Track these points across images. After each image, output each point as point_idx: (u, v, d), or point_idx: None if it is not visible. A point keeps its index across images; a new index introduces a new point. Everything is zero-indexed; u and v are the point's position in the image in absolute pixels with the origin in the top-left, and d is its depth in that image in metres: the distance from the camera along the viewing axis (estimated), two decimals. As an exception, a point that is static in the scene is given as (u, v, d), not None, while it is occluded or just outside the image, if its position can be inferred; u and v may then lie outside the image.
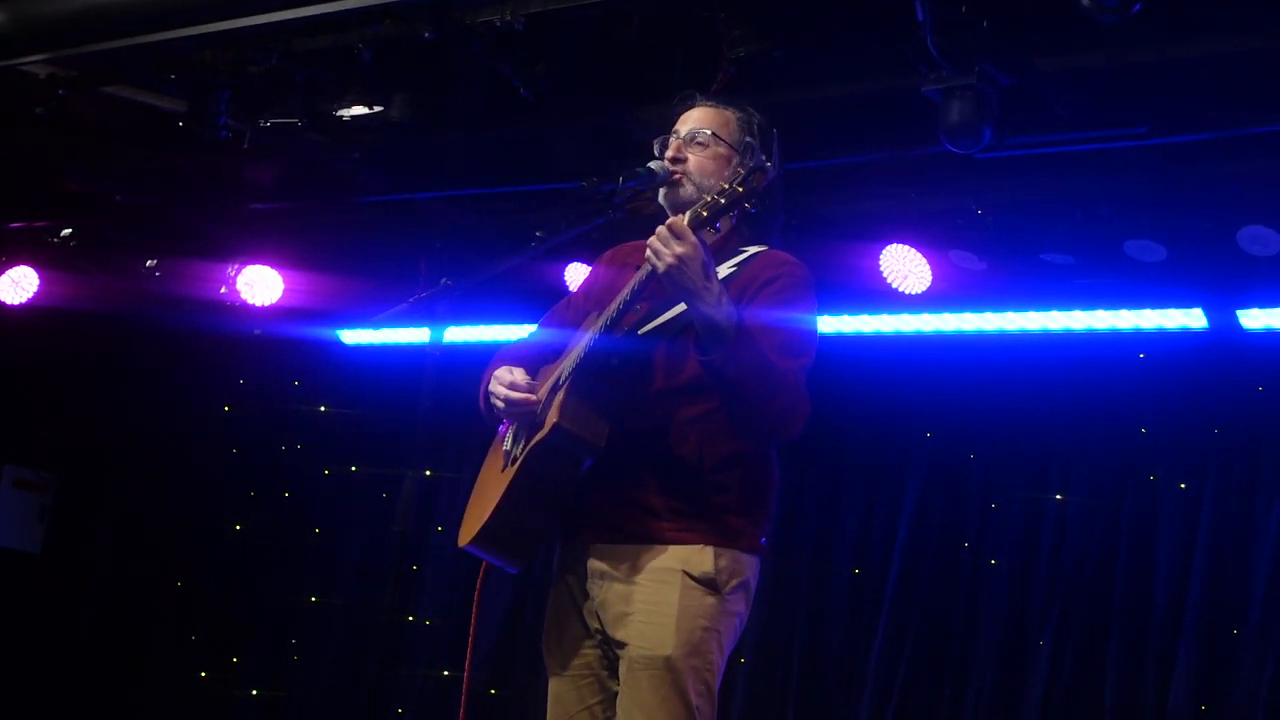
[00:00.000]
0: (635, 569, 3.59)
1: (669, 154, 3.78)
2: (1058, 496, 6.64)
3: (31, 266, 7.70)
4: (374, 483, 8.37)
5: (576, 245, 6.44)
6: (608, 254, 4.02)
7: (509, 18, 5.05)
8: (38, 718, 8.70)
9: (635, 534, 3.61)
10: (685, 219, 3.40)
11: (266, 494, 8.77)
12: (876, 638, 6.78)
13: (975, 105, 4.73)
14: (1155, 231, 5.67)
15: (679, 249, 3.39)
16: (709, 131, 3.79)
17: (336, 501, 8.56)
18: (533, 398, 3.68)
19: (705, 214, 3.39)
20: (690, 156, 3.77)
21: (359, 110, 5.69)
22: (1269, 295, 5.94)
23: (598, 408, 3.57)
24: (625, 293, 3.57)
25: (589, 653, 3.75)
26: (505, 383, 3.75)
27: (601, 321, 3.58)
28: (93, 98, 6.35)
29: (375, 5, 5.15)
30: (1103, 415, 6.56)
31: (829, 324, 6.57)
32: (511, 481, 3.65)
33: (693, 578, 3.56)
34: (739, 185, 3.37)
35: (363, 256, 7.52)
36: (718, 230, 3.54)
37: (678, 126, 3.84)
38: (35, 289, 7.69)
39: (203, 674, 8.61)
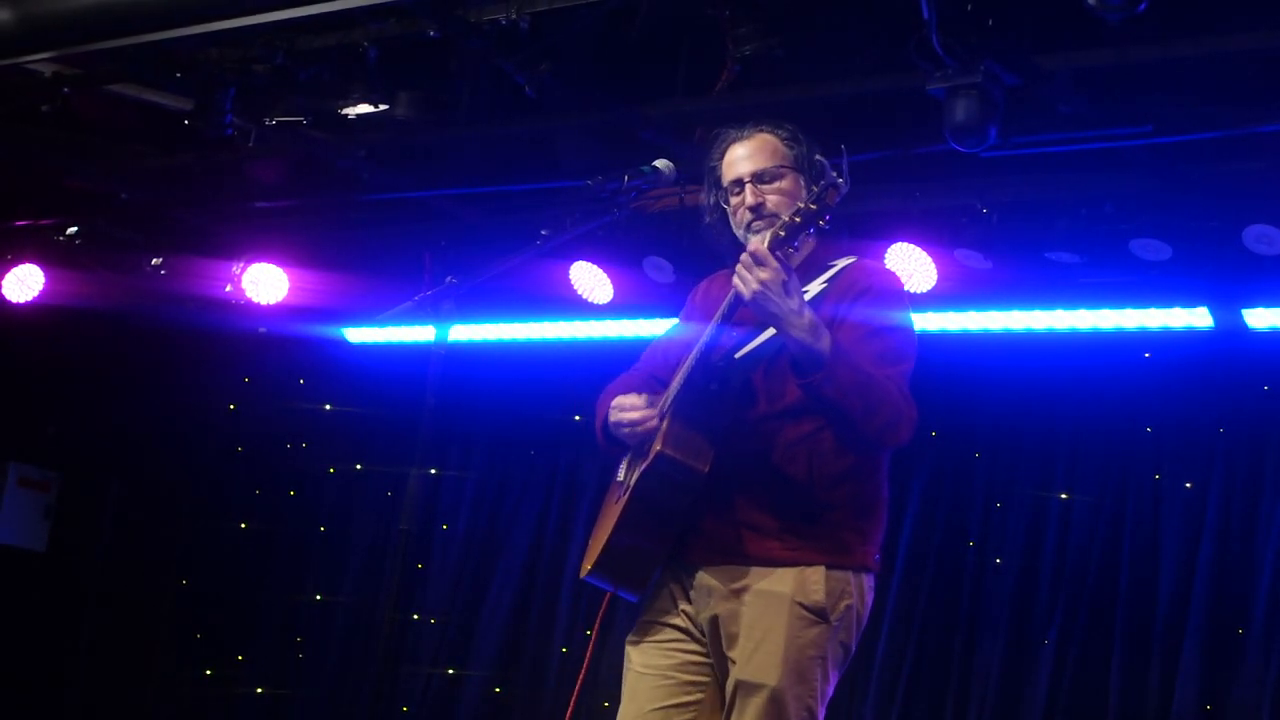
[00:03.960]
0: (746, 589, 3.63)
1: (748, 203, 3.77)
2: (1062, 495, 6.63)
3: (37, 265, 7.70)
4: (379, 481, 8.38)
5: (581, 243, 6.47)
6: (702, 284, 4.05)
7: (514, 16, 5.05)
8: (42, 715, 8.72)
9: (746, 555, 3.65)
10: (765, 241, 3.42)
11: (271, 492, 8.77)
12: (880, 637, 6.77)
13: (980, 104, 4.73)
14: (1161, 230, 5.67)
15: (762, 274, 3.42)
16: (773, 165, 3.79)
17: (341, 499, 8.57)
18: (652, 413, 3.72)
19: (783, 234, 3.41)
20: (767, 198, 3.76)
21: (364, 108, 5.69)
22: (1274, 294, 5.94)
23: (701, 433, 3.62)
24: (716, 319, 3.61)
25: (676, 655, 3.76)
26: (625, 407, 3.78)
27: (697, 349, 3.62)
28: (98, 96, 6.36)
29: (380, 3, 5.15)
30: (1108, 414, 6.56)
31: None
32: (624, 510, 3.70)
33: (803, 606, 3.60)
34: (812, 203, 3.39)
35: (367, 255, 7.52)
36: (796, 249, 3.51)
37: (735, 173, 3.81)
38: (41, 287, 7.69)
39: (208, 671, 8.62)
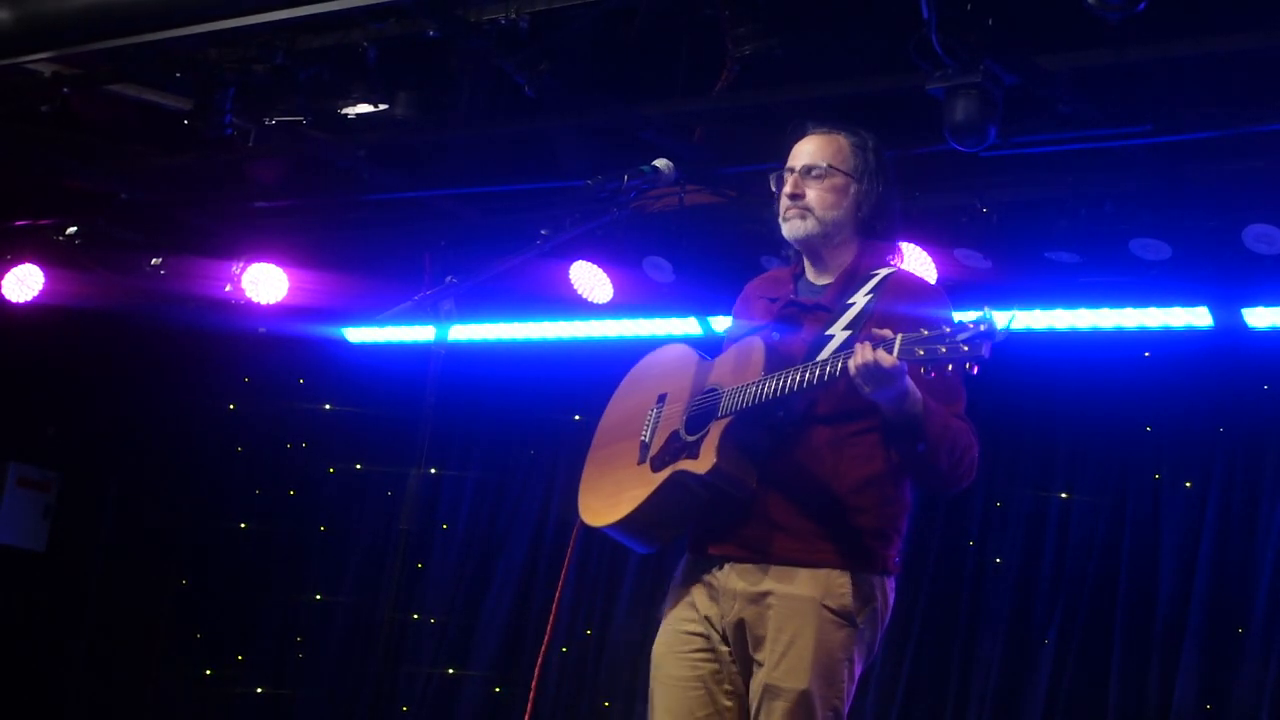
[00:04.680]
0: (773, 592, 3.63)
1: (786, 190, 3.78)
2: (1062, 495, 6.63)
3: (37, 264, 7.70)
4: (378, 481, 8.38)
5: (581, 243, 6.47)
6: (756, 283, 4.03)
7: (513, 15, 5.05)
8: (42, 715, 8.72)
9: (772, 555, 3.65)
10: (895, 353, 3.31)
11: (271, 492, 8.77)
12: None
13: (980, 103, 4.73)
14: (1160, 230, 5.67)
15: (879, 392, 3.41)
16: (825, 164, 3.77)
17: (341, 499, 8.57)
18: None
19: (922, 353, 3.29)
20: (809, 191, 3.76)
21: (364, 108, 5.70)
22: (1274, 294, 5.93)
23: (753, 455, 3.64)
24: (812, 375, 3.51)
25: (703, 665, 3.75)
26: None
27: (781, 382, 3.56)
28: (98, 96, 6.36)
29: (380, 3, 5.15)
30: (1107, 414, 6.56)
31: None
32: (654, 492, 3.71)
33: (831, 610, 3.61)
34: (964, 344, 3.25)
35: (367, 254, 7.52)
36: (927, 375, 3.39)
37: (791, 162, 3.82)
38: (40, 287, 7.70)
39: (208, 671, 8.62)
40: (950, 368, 3.28)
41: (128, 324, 8.22)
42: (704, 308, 6.84)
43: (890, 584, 3.73)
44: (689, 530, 3.79)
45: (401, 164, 6.65)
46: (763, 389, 3.59)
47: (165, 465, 8.96)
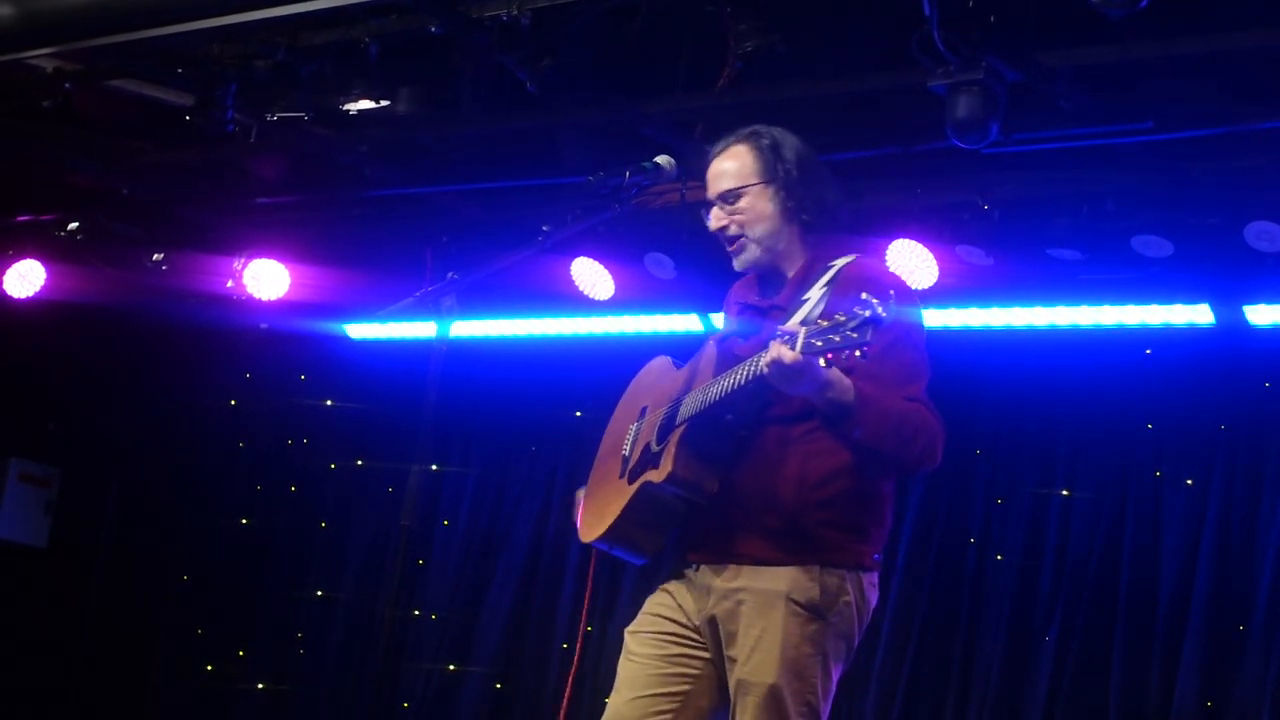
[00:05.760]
0: (745, 588, 3.67)
1: (712, 227, 3.81)
2: (1063, 492, 6.63)
3: (38, 260, 7.70)
4: (380, 477, 8.37)
5: (583, 239, 6.47)
6: (735, 287, 4.04)
7: (515, 11, 5.05)
8: (43, 711, 8.72)
9: (742, 555, 3.69)
10: (797, 348, 3.32)
11: (272, 488, 8.77)
12: (881, 634, 6.77)
13: (982, 100, 4.73)
14: (1162, 227, 5.66)
15: (796, 387, 3.44)
16: (733, 184, 3.78)
17: (342, 496, 8.56)
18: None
19: (819, 344, 3.29)
20: (733, 218, 3.78)
21: (365, 104, 5.70)
22: (1276, 291, 5.93)
23: (711, 460, 3.68)
24: (741, 376, 3.56)
25: (667, 647, 3.81)
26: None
27: (725, 383, 3.60)
28: (99, 92, 6.36)
29: (382, 0, 5.16)
30: (1109, 411, 6.55)
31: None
32: (628, 504, 3.77)
33: (798, 604, 3.62)
34: (851, 331, 3.25)
35: (369, 251, 7.52)
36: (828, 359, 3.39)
37: (708, 194, 3.83)
38: (42, 283, 7.69)
39: (209, 667, 8.62)
40: (858, 354, 3.26)
41: (129, 320, 8.21)
42: (705, 304, 6.84)
43: (869, 579, 3.74)
44: (673, 535, 3.83)
45: (403, 160, 6.65)
46: (709, 393, 3.63)
47: (166, 461, 8.96)
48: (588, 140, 6.15)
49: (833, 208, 3.85)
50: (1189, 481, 6.37)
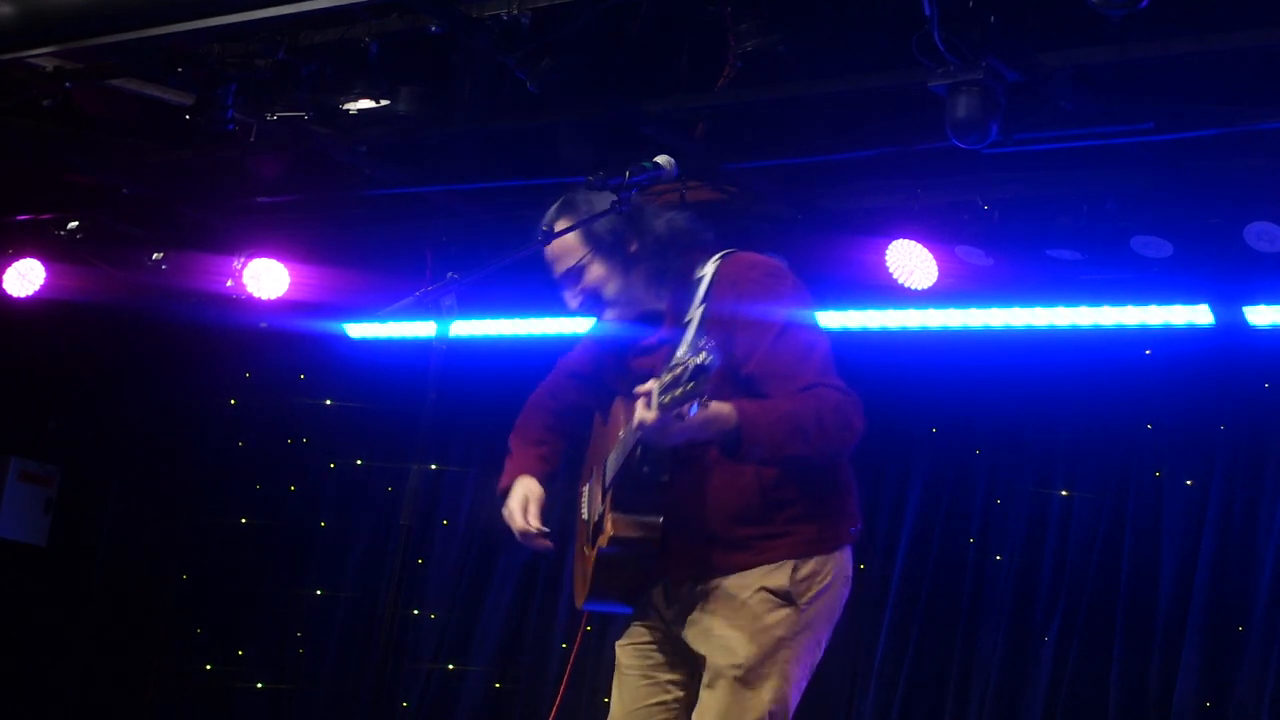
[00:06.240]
0: (719, 593, 3.70)
1: (573, 306, 3.89)
2: (1063, 492, 6.63)
3: (38, 259, 7.70)
4: (379, 476, 8.38)
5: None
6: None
7: (515, 11, 5.05)
8: (43, 711, 8.72)
9: (718, 568, 3.72)
10: (653, 408, 3.31)
11: (272, 487, 8.77)
12: (881, 633, 6.78)
13: (982, 100, 4.72)
14: (1162, 227, 5.67)
15: (673, 440, 3.45)
16: (570, 265, 3.84)
17: (342, 495, 8.57)
18: (532, 529, 3.91)
19: (667, 401, 3.27)
20: (584, 291, 3.85)
21: (365, 104, 5.69)
22: (1275, 292, 5.93)
23: (646, 509, 3.68)
24: (630, 440, 3.58)
25: (653, 656, 3.87)
26: (513, 511, 3.96)
27: (627, 441, 3.60)
28: (99, 90, 6.36)
29: (382, -1, 5.16)
30: (1108, 411, 6.56)
31: (835, 319, 6.56)
32: (593, 570, 3.80)
33: (767, 590, 3.66)
34: (689, 383, 3.22)
35: (369, 250, 7.53)
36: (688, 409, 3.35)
37: (555, 275, 3.90)
38: (42, 282, 7.70)
39: (208, 666, 8.62)
40: (703, 400, 3.27)
41: (129, 319, 8.22)
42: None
43: (844, 554, 3.76)
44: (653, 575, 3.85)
45: (403, 160, 6.65)
46: (621, 452, 3.68)
47: (166, 460, 8.96)
48: (587, 140, 6.15)
49: (669, 230, 3.84)
50: (1189, 481, 6.37)
